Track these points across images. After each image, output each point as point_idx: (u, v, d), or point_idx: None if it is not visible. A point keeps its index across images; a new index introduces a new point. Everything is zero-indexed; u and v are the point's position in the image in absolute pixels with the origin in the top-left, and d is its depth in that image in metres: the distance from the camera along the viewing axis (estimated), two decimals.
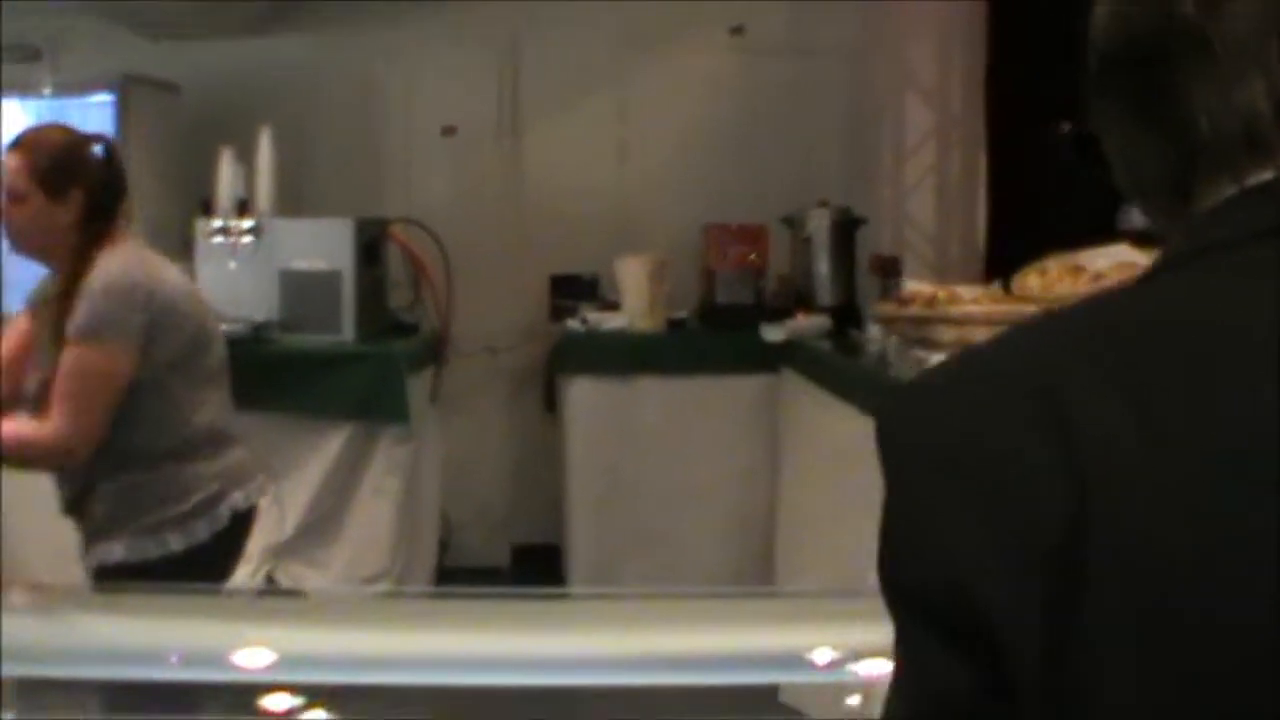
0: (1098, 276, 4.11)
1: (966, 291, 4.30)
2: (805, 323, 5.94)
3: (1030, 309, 4.15)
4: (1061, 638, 0.85)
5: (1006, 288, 4.36)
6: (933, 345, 4.15)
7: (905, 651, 0.93)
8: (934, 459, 0.93)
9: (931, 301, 4.18)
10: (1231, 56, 0.96)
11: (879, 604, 0.94)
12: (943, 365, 1.03)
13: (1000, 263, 5.63)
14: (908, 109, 6.53)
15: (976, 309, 4.15)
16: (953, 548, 0.89)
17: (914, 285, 4.41)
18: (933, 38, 6.46)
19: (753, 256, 6.16)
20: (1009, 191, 5.97)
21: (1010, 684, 0.86)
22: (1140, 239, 4.21)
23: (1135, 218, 4.19)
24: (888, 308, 4.33)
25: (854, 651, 1.99)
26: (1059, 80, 4.81)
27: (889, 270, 6.13)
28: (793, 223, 6.16)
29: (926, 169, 6.60)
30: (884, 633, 0.94)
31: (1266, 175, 0.96)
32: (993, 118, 6.08)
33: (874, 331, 5.80)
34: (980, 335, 4.08)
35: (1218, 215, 0.97)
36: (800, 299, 6.10)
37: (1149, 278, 0.99)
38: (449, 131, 6.30)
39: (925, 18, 6.40)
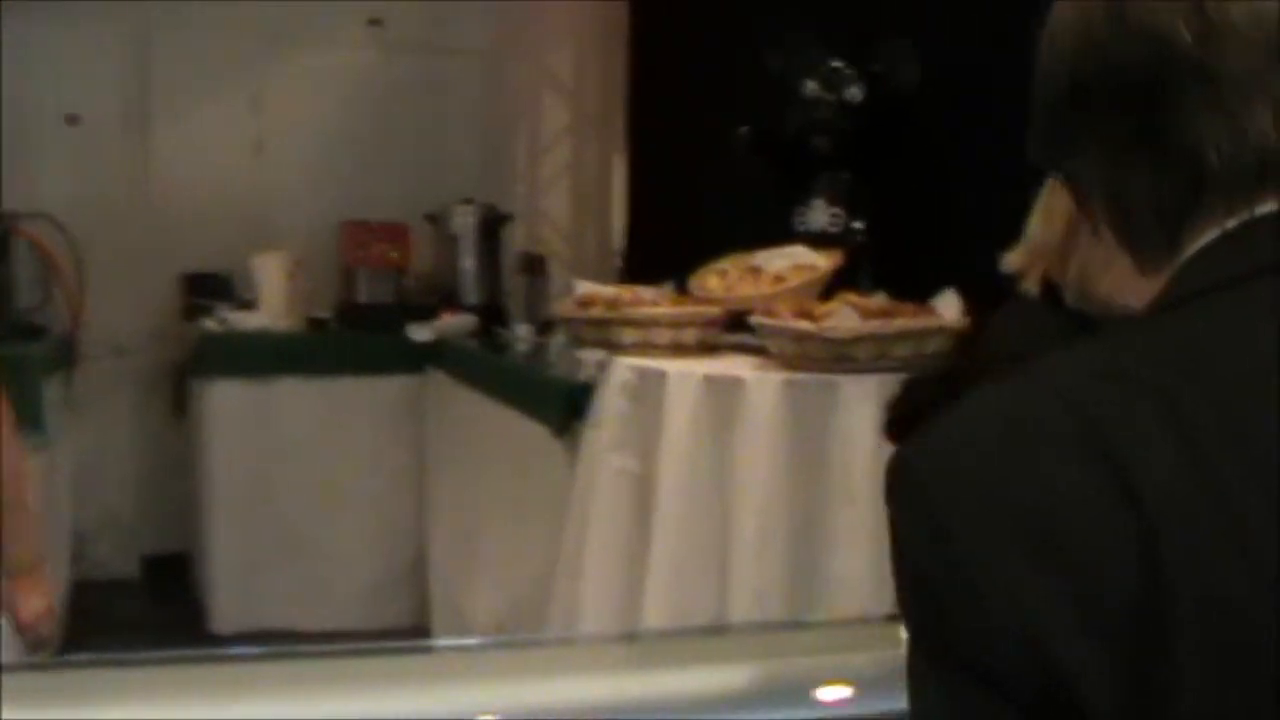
0: (778, 278, 4.21)
1: (645, 293, 4.33)
2: (452, 322, 5.89)
3: (714, 311, 4.22)
4: (1143, 695, 0.83)
5: (681, 289, 4.42)
6: (614, 347, 4.17)
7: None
8: (987, 514, 0.88)
9: (614, 303, 4.19)
10: (1236, 87, 0.96)
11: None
12: (968, 410, 0.97)
13: (641, 262, 5.72)
14: (544, 108, 6.57)
15: (661, 311, 4.19)
16: (1030, 608, 0.84)
17: (591, 286, 4.41)
18: (570, 38, 6.51)
19: (394, 254, 6.06)
20: (650, 192, 6.06)
21: None
22: (817, 240, 4.34)
23: (812, 219, 4.32)
24: (568, 308, 4.32)
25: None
26: (704, 82, 4.90)
27: (535, 268, 6.15)
28: (436, 220, 6.09)
29: (562, 168, 6.65)
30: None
31: (1272, 206, 0.96)
32: (633, 118, 6.16)
33: (522, 330, 5.81)
34: (664, 337, 4.13)
35: (1234, 246, 0.96)
36: (445, 298, 6.03)
37: (1168, 308, 0.97)
38: (73, 121, 5.95)
39: (563, 18, 6.45)
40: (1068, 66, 1.02)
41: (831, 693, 1.70)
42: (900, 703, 1.74)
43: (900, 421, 3.05)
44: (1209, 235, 0.96)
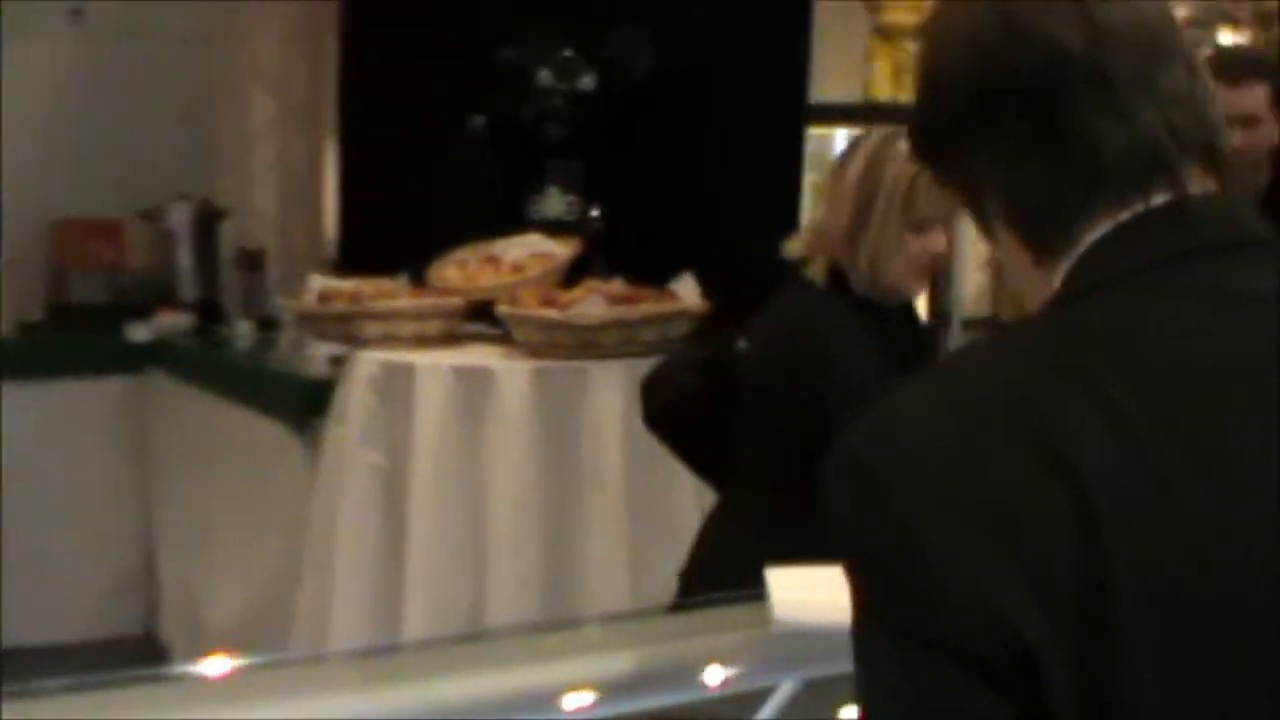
0: (517, 267, 4.23)
1: (385, 286, 4.29)
2: (171, 320, 5.74)
3: (457, 302, 4.22)
4: (1093, 663, 0.89)
5: (415, 281, 4.39)
6: (357, 341, 4.13)
7: (927, 693, 0.93)
8: (940, 500, 0.93)
9: (356, 297, 4.15)
10: (1126, 88, 1.04)
11: None
12: (908, 400, 1.03)
13: (357, 256, 5.64)
14: (252, 99, 6.42)
15: (405, 303, 4.17)
16: (988, 586, 0.90)
17: (329, 281, 4.35)
18: (276, 26, 6.38)
19: (108, 253, 5.87)
20: (366, 184, 5.98)
21: (1047, 714, 0.90)
22: (553, 228, 4.38)
23: (547, 207, 4.35)
24: (308, 304, 4.25)
25: None
26: (425, 71, 4.87)
27: (253, 264, 6.03)
28: (151, 217, 5.91)
29: (272, 160, 6.52)
30: None
31: (1164, 197, 1.04)
32: (345, 109, 6.06)
33: (242, 327, 5.70)
34: (407, 330, 4.11)
35: (1129, 237, 1.03)
36: (162, 295, 5.86)
37: (1076, 298, 1.04)
38: None
39: (269, 6, 6.32)
40: (963, 71, 1.07)
41: (574, 700, 1.72)
42: (643, 704, 1.80)
43: (664, 408, 3.10)
44: (1104, 228, 1.03)
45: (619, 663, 1.78)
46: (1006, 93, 1.05)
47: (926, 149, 1.13)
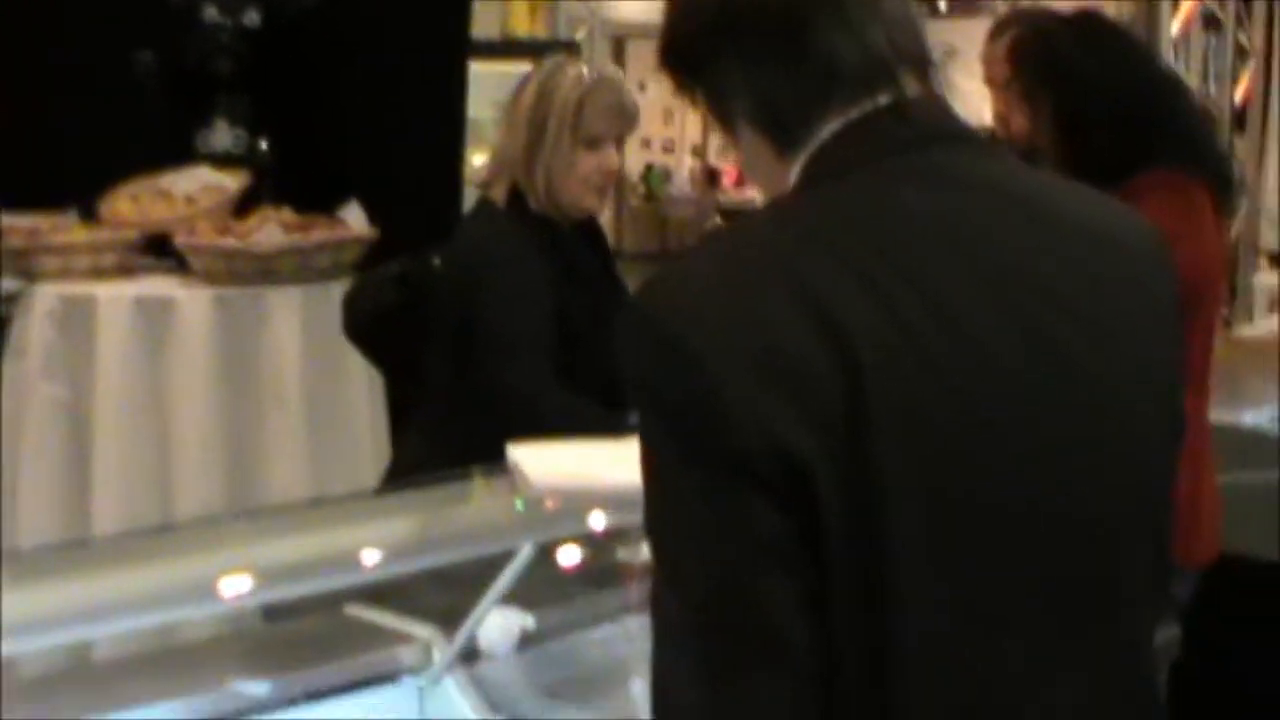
0: (190, 199, 4.33)
1: (51, 223, 4.32)
2: None
3: (133, 234, 4.29)
4: (855, 483, 1.11)
5: (85, 215, 4.42)
6: (34, 276, 4.16)
7: (722, 511, 1.12)
8: (726, 347, 1.13)
9: (33, 232, 4.18)
10: (858, 10, 1.27)
11: None
12: (692, 268, 1.24)
13: (19, 189, 5.57)
14: None
15: (82, 237, 4.21)
16: (771, 419, 1.11)
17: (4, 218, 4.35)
18: None
19: None
20: (24, 117, 5.89)
21: (818, 526, 1.11)
22: (221, 161, 4.48)
23: (215, 141, 4.46)
24: None
25: None
26: (82, 11, 4.85)
27: None
28: None
29: None
30: None
31: (887, 98, 1.27)
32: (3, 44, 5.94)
33: None
34: (83, 263, 4.17)
35: (859, 131, 1.26)
36: None
37: (821, 182, 1.25)
38: None
39: None
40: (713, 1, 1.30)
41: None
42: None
43: (362, 321, 3.29)
44: (838, 123, 1.27)
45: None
46: (755, 15, 1.27)
47: (675, 60, 1.35)
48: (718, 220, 12.54)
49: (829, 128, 1.27)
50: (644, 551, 2.50)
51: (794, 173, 1.29)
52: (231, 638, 2.60)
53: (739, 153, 1.36)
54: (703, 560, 1.14)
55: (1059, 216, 1.29)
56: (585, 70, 3.08)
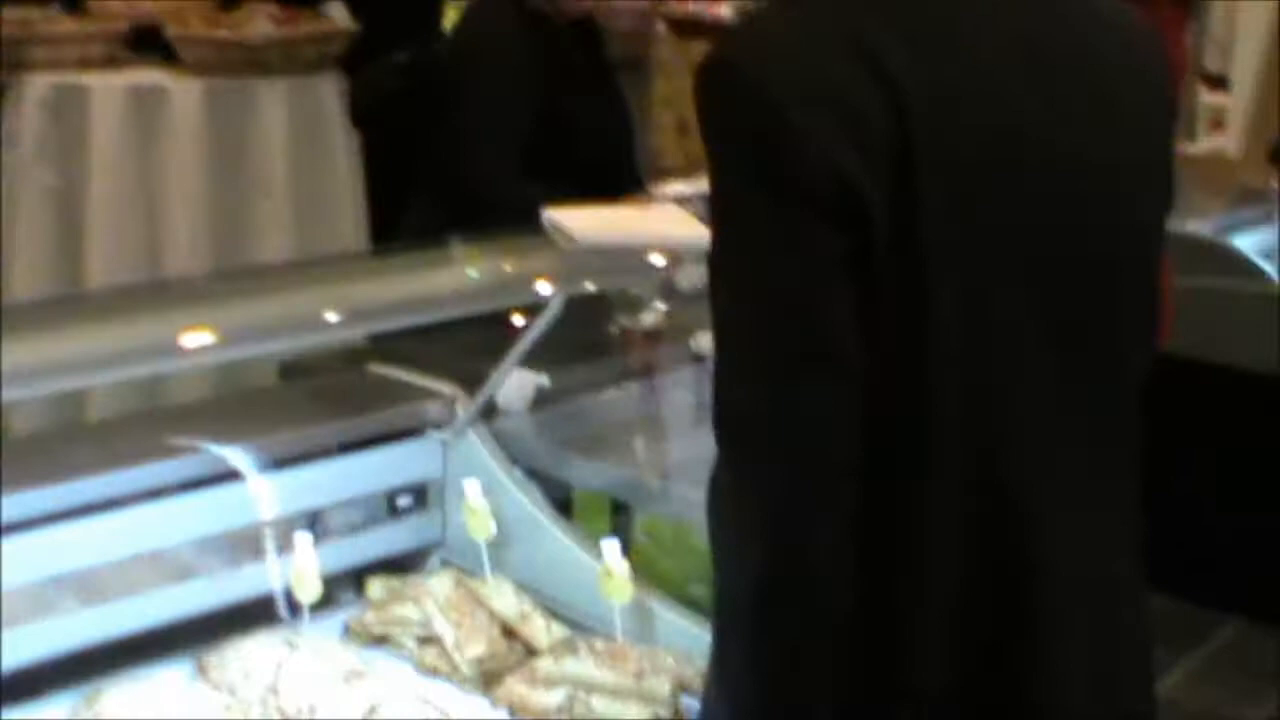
0: None
1: (43, 13, 4.39)
2: None
3: (123, 25, 4.37)
4: (901, 207, 1.28)
5: (71, 7, 4.49)
6: (28, 67, 4.23)
7: (787, 229, 1.28)
8: (796, 87, 1.29)
9: (25, 22, 4.25)
10: None
11: None
12: (766, 26, 1.40)
13: None
14: None
15: (72, 28, 4.29)
16: (831, 149, 1.27)
17: None
18: None
19: None
20: None
21: (869, 244, 1.27)
22: None
23: None
24: None
25: None
26: None
27: None
28: None
29: None
30: None
31: None
32: None
33: None
34: (73, 53, 4.25)
35: None
36: None
37: None
38: None
39: None
40: None
41: None
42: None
43: (369, 107, 3.43)
44: None
45: None
46: None
47: None
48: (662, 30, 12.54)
49: None
50: (647, 320, 2.69)
51: None
52: (253, 394, 2.76)
53: None
54: (768, 273, 1.30)
55: (1076, 3, 1.46)
56: None
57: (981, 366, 1.34)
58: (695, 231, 1.95)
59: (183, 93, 4.15)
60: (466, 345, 2.47)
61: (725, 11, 6.82)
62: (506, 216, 2.62)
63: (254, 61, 4.16)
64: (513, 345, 2.37)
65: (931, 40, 1.34)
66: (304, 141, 4.30)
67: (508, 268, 2.19)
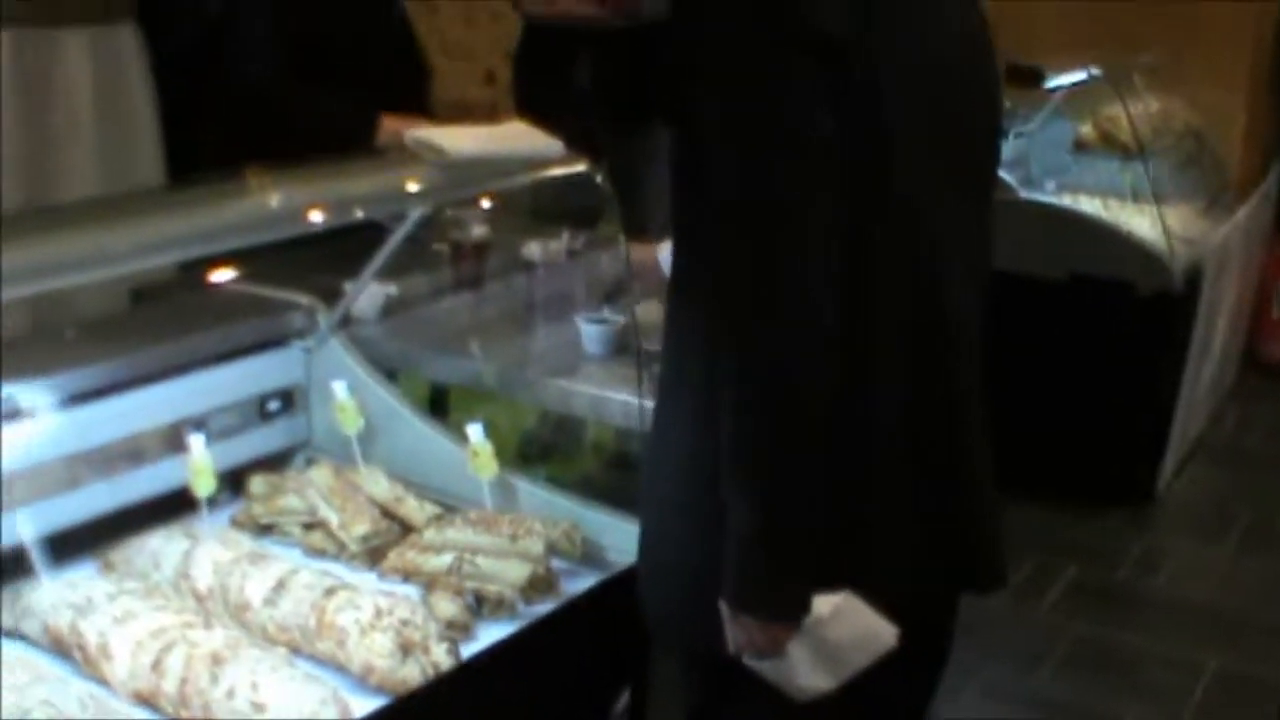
0: None
1: None
2: None
3: None
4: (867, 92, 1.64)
5: None
6: None
7: (783, 72, 1.58)
8: None
9: None
10: None
11: None
12: None
13: None
14: None
15: None
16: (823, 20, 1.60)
17: None
18: None
19: None
20: None
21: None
22: None
23: None
24: None
25: None
26: None
27: None
28: None
29: None
30: None
31: None
32: None
33: None
34: None
35: None
36: None
37: None
38: None
39: None
40: None
41: None
42: None
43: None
44: None
45: None
46: None
47: None
48: None
49: None
50: (474, 231, 2.94)
51: None
52: (114, 317, 2.91)
53: None
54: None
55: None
56: None
57: (923, 204, 1.73)
58: (547, 143, 2.21)
59: None
60: (308, 260, 2.65)
61: None
62: (298, 117, 2.85)
63: (55, 13, 4.24)
64: (366, 259, 2.60)
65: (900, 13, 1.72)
66: (107, 86, 4.40)
67: (376, 183, 2.37)
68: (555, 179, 2.25)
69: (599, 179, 2.23)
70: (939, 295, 1.76)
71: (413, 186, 2.21)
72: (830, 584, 1.70)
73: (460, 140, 2.16)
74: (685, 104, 1.68)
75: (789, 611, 1.68)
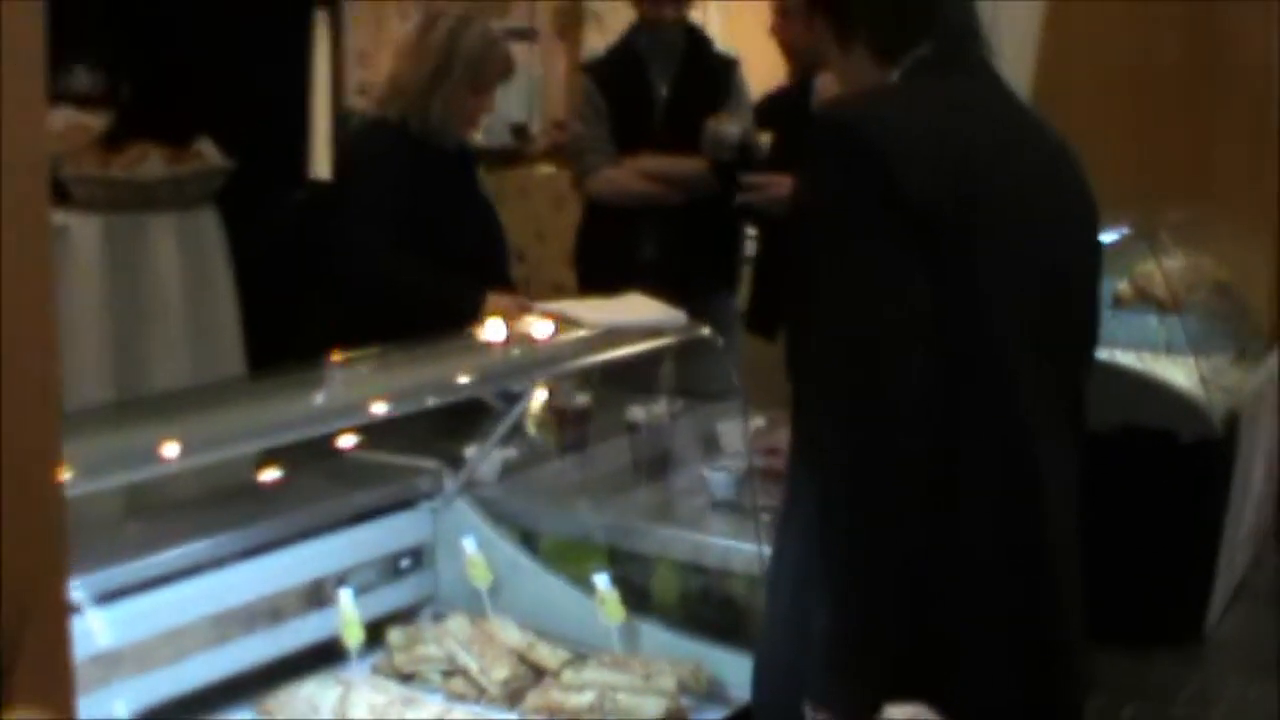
0: (60, 137, 4.72)
1: None
2: None
3: None
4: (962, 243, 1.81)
5: None
6: None
7: (878, 264, 1.77)
8: (897, 140, 1.79)
9: None
10: None
11: None
12: (873, 105, 1.89)
13: None
14: None
15: None
16: (924, 182, 1.77)
17: None
18: None
19: None
20: None
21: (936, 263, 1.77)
22: (83, 101, 4.88)
23: (75, 83, 4.87)
24: None
25: None
26: None
27: None
28: None
29: None
30: None
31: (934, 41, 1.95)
32: None
33: None
34: None
35: (947, 50, 1.94)
36: None
37: (919, 76, 1.93)
38: None
39: None
40: None
41: None
42: None
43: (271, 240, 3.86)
44: (927, 47, 1.94)
45: None
46: None
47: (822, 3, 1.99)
48: None
49: (920, 51, 1.95)
50: (580, 398, 3.14)
51: (894, 74, 1.94)
52: (248, 485, 3.08)
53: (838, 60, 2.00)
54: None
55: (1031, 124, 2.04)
56: (485, 26, 3.71)
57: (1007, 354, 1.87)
58: (669, 312, 2.43)
59: (82, 227, 4.45)
60: (422, 430, 2.85)
61: None
62: (400, 293, 3.07)
63: (146, 199, 4.49)
64: (490, 427, 2.82)
65: (981, 132, 1.91)
66: (193, 269, 4.65)
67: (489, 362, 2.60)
68: (679, 344, 2.46)
69: (720, 343, 2.45)
70: (1032, 448, 1.91)
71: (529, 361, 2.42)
72: (908, 695, 1.83)
73: (588, 312, 2.37)
74: (790, 274, 1.89)
75: (857, 711, 1.81)
